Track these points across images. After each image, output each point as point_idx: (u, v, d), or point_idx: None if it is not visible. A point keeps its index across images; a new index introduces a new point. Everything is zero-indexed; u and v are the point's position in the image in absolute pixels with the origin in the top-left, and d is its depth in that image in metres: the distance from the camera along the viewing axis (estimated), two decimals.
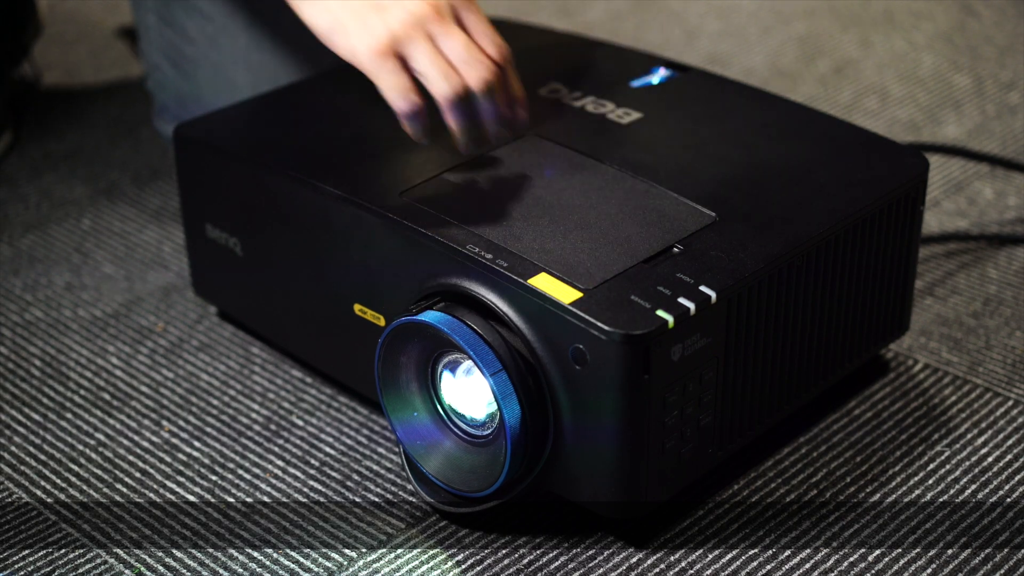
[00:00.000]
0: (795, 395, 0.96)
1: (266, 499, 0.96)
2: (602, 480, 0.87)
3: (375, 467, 0.98)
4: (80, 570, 0.90)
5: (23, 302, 1.18)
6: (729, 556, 0.90)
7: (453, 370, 0.91)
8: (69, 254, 1.25)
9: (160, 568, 0.90)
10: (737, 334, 0.88)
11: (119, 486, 0.97)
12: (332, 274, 0.98)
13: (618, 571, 0.89)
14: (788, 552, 0.90)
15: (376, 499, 0.96)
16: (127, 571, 0.90)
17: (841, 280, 0.95)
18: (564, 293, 0.84)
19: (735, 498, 0.95)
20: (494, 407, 0.88)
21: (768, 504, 0.94)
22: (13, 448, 1.01)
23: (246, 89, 1.21)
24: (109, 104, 1.51)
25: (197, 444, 1.01)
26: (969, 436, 1.00)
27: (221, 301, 1.13)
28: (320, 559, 0.91)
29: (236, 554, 0.91)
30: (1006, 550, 0.90)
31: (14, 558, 0.91)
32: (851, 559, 0.90)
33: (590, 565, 0.90)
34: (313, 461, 0.99)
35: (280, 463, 0.99)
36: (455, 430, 0.92)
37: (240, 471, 0.99)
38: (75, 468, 0.99)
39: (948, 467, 0.97)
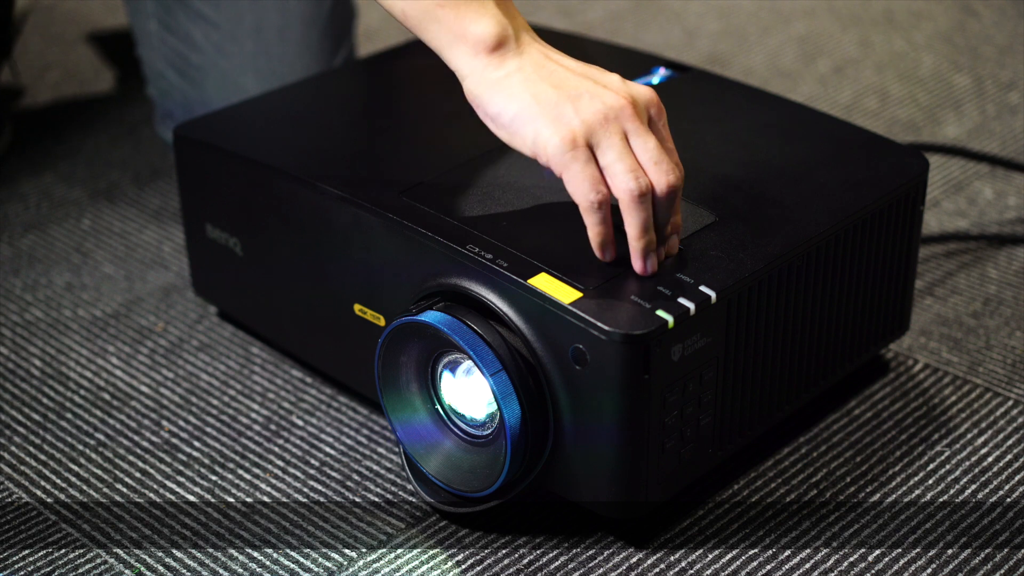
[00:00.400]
0: (795, 395, 0.96)
1: (266, 499, 0.96)
2: (602, 480, 0.87)
3: (375, 467, 0.98)
4: (80, 570, 0.90)
5: (23, 302, 1.18)
6: (729, 556, 0.90)
7: (453, 370, 0.91)
8: (69, 254, 1.25)
9: (160, 568, 0.90)
10: (737, 334, 0.88)
11: (119, 486, 0.97)
12: (332, 274, 0.98)
13: (618, 571, 0.89)
14: (788, 552, 0.90)
15: (376, 499, 0.96)
16: (127, 571, 0.90)
17: (841, 280, 0.95)
18: (564, 293, 0.84)
19: (735, 498, 0.95)
20: (494, 407, 0.88)
21: (768, 504, 0.94)
22: (13, 448, 1.01)
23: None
24: (109, 104, 1.51)
25: (197, 444, 1.01)
26: (969, 436, 1.00)
27: (221, 301, 1.13)
28: (320, 559, 0.91)
29: (236, 554, 0.91)
30: (1006, 550, 0.90)
31: (14, 558, 0.91)
32: (851, 559, 0.90)
33: (590, 565, 0.90)
34: (313, 461, 0.99)
35: (280, 463, 0.99)
36: (455, 430, 0.92)
37: (240, 471, 0.99)
38: (75, 468, 0.99)
39: (948, 467, 0.97)
